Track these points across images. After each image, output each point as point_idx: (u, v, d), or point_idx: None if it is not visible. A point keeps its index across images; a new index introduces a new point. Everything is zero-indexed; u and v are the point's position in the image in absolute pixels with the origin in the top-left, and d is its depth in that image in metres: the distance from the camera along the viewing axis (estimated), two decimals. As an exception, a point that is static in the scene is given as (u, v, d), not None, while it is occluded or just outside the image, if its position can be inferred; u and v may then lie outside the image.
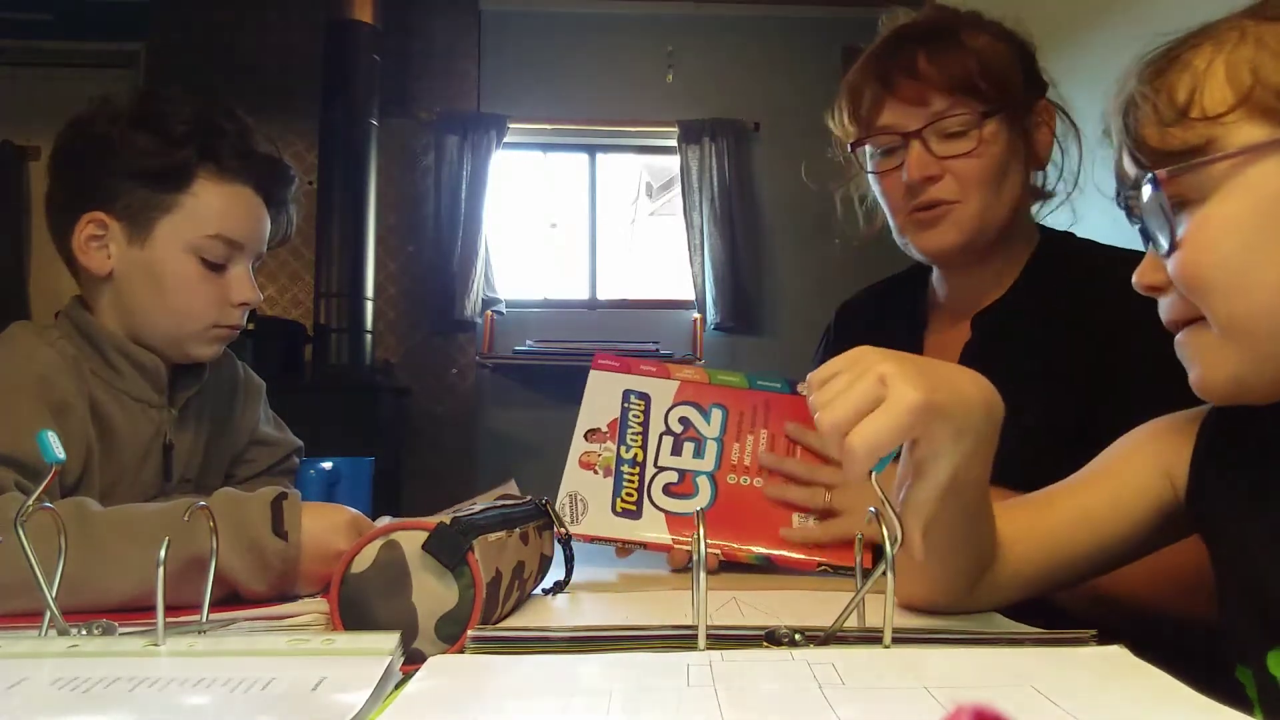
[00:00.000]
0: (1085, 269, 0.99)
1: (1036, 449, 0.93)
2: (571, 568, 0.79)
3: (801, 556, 0.89)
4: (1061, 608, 0.76)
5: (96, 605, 0.69)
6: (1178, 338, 0.62)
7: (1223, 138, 0.57)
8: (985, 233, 0.99)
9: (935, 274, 1.12)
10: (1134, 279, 0.64)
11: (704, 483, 0.92)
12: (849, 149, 1.05)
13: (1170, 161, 0.58)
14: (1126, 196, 0.64)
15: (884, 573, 0.54)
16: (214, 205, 0.96)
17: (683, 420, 0.96)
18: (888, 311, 1.19)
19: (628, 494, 0.91)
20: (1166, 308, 0.62)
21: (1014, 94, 0.97)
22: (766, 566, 0.87)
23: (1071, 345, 0.95)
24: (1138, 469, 0.70)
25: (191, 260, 0.96)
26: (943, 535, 0.60)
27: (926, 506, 0.58)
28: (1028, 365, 0.97)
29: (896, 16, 1.03)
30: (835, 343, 1.26)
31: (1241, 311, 0.57)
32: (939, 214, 0.99)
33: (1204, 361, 0.60)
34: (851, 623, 0.61)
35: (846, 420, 0.55)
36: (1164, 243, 0.60)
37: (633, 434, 0.94)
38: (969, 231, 0.99)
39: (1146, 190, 0.59)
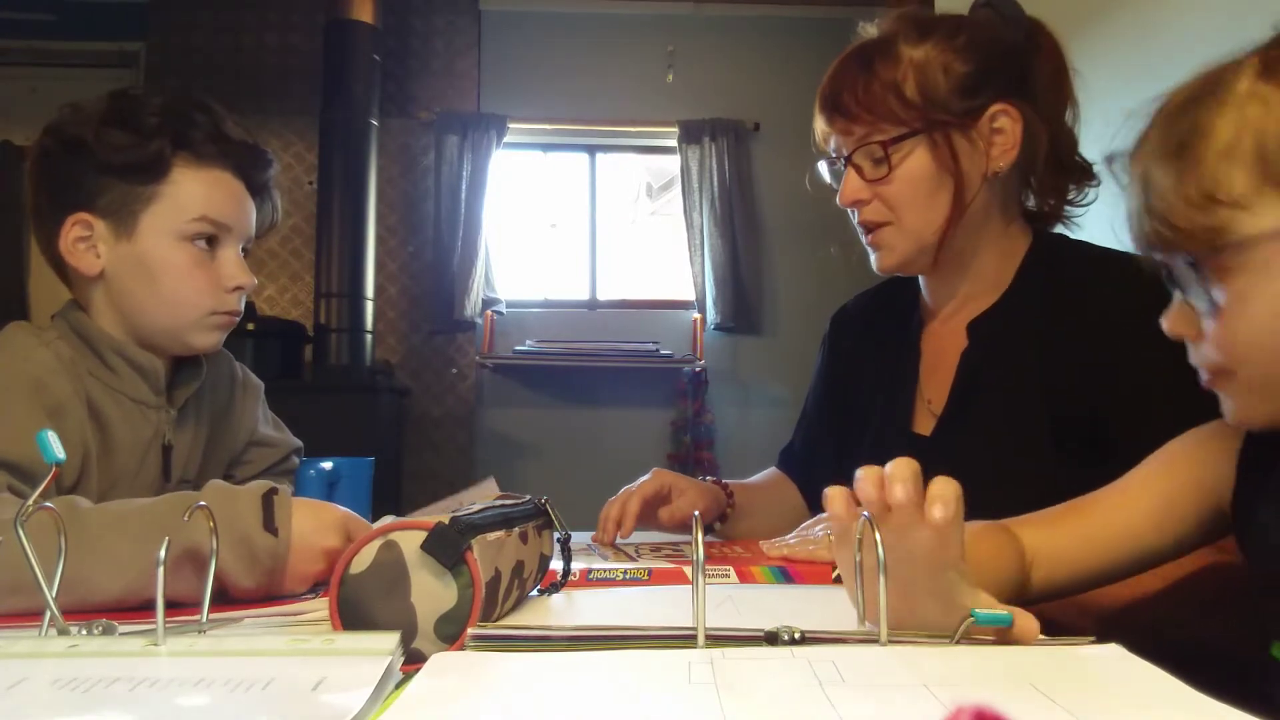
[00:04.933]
0: (1081, 269, 0.99)
1: (1040, 456, 0.93)
2: (569, 568, 0.79)
3: (821, 561, 0.89)
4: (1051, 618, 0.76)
5: (88, 601, 0.69)
6: (1208, 377, 0.64)
7: (1248, 218, 0.57)
8: (923, 249, 1.02)
9: (921, 279, 1.13)
10: (1164, 326, 0.65)
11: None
12: (819, 162, 1.09)
13: (1200, 242, 0.58)
14: (1148, 249, 0.64)
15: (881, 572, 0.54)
16: (195, 190, 0.96)
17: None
18: (882, 318, 1.19)
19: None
20: (1195, 355, 0.64)
21: (938, 111, 0.97)
22: (783, 581, 0.87)
23: (1071, 347, 0.95)
24: (1181, 482, 0.71)
25: (180, 248, 0.96)
26: None
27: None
28: (1028, 370, 0.97)
29: (867, 28, 1.05)
30: (831, 351, 1.26)
31: (1276, 375, 0.59)
32: (876, 240, 1.03)
33: (1238, 404, 0.63)
34: (851, 625, 0.61)
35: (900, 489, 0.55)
36: (1202, 307, 0.61)
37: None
38: (904, 252, 1.02)
39: (1181, 265, 0.60)
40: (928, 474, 1.04)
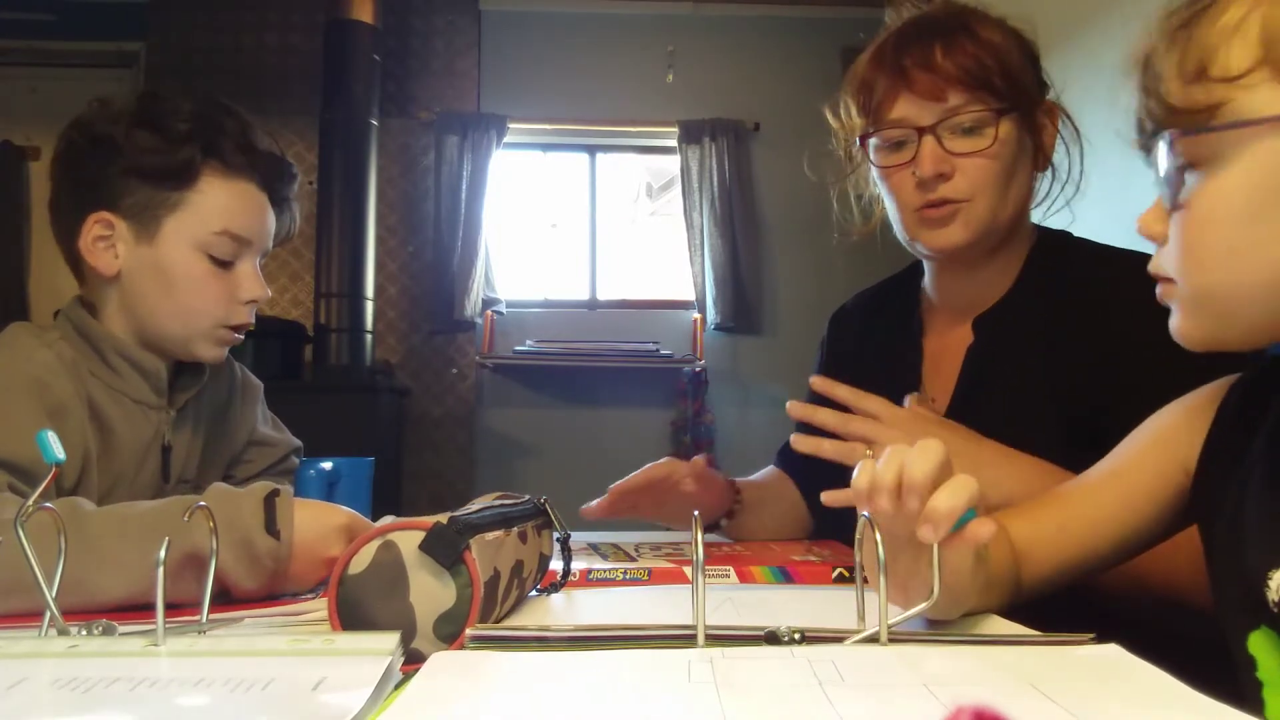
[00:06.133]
0: (1087, 267, 0.99)
1: (1044, 453, 0.93)
2: (569, 568, 0.79)
3: (818, 560, 0.89)
4: (1058, 607, 0.76)
5: (90, 604, 0.69)
6: (1159, 287, 0.63)
7: (1240, 101, 0.55)
8: (993, 232, 0.99)
9: (928, 276, 1.12)
10: (1137, 223, 0.63)
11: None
12: (857, 142, 1.03)
13: (1187, 119, 0.57)
14: (1144, 143, 0.63)
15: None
16: (220, 202, 0.96)
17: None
18: (881, 318, 1.18)
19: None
20: (1157, 257, 0.63)
21: (1028, 92, 0.97)
22: (783, 581, 0.87)
23: (1078, 345, 0.94)
24: (1153, 464, 0.70)
25: (200, 258, 0.96)
26: (970, 593, 0.62)
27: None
28: (1034, 367, 0.96)
29: (902, 11, 1.02)
30: (830, 353, 1.25)
31: (1218, 283, 0.58)
32: (948, 212, 0.97)
33: (1179, 317, 0.61)
34: (851, 624, 0.61)
35: (925, 483, 0.55)
36: (1168, 202, 0.60)
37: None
38: (977, 231, 0.97)
39: (1161, 146, 0.58)
40: None
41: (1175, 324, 0.62)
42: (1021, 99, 0.96)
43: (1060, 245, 1.04)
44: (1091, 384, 0.92)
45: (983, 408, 1.00)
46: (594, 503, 1.04)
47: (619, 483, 1.06)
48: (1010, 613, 0.67)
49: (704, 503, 1.10)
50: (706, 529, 1.09)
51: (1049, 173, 1.03)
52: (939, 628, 0.64)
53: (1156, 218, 0.62)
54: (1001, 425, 0.97)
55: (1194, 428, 0.67)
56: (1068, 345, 0.95)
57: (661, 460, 1.10)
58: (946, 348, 1.06)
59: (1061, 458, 0.91)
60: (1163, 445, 0.70)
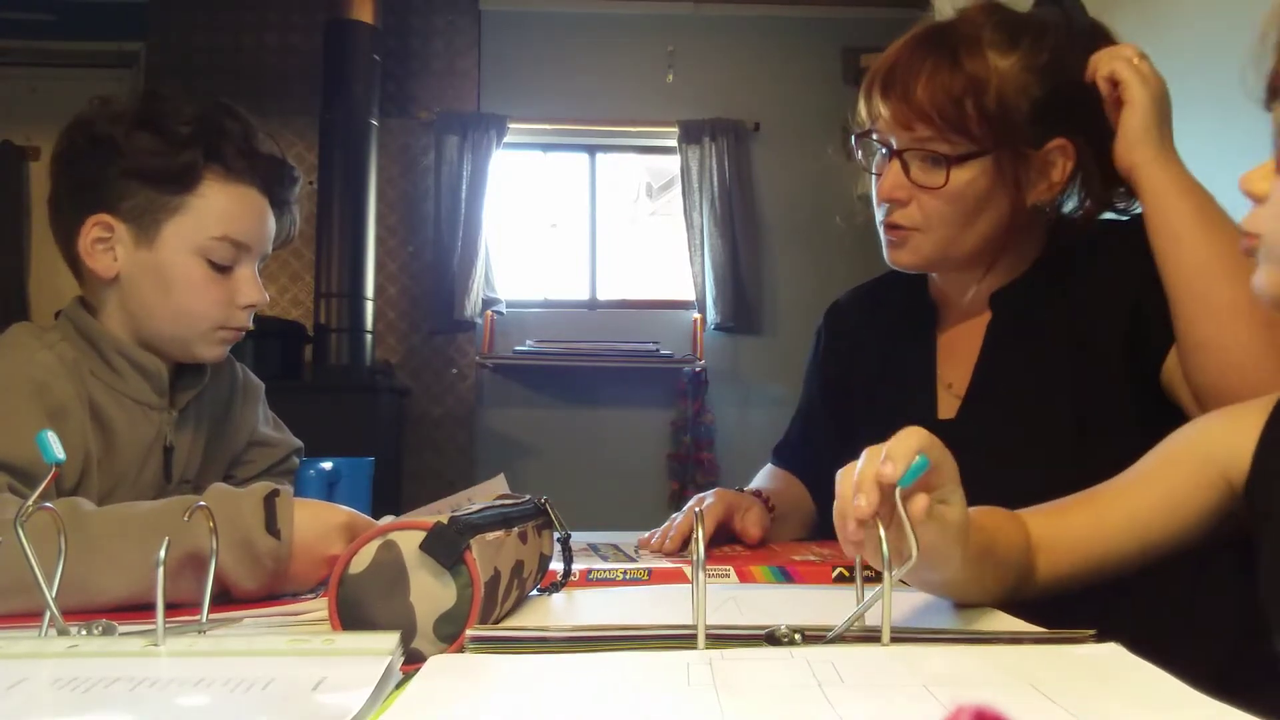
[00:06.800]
0: (1111, 239, 0.97)
1: (1069, 425, 0.92)
2: (570, 568, 0.79)
3: (818, 560, 0.89)
4: (1061, 605, 0.76)
5: (90, 604, 0.69)
6: (1242, 241, 0.67)
7: None
8: (947, 262, 0.99)
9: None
10: (1240, 180, 0.66)
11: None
12: (854, 137, 1.03)
13: None
14: (1268, 103, 0.65)
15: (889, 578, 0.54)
16: (221, 207, 0.95)
17: None
18: (886, 309, 1.17)
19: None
20: (1250, 214, 0.66)
21: (1010, 135, 0.92)
22: (783, 581, 0.87)
23: (1100, 313, 0.93)
24: (1191, 472, 0.70)
25: (198, 262, 0.95)
26: (949, 558, 0.61)
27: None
28: (1057, 338, 0.95)
29: (945, 8, 1.01)
30: (827, 344, 1.24)
31: None
32: (901, 237, 0.98)
33: (1261, 269, 0.65)
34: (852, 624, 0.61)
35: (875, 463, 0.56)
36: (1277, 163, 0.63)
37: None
38: (927, 259, 0.99)
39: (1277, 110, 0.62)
40: (954, 456, 1.03)
41: (1255, 277, 0.65)
42: (1001, 142, 0.92)
43: (1075, 224, 1.00)
44: (1116, 351, 0.91)
45: (1005, 383, 0.99)
46: (669, 541, 1.00)
47: (688, 526, 1.01)
48: (1012, 608, 0.67)
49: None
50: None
51: (1074, 189, 0.99)
52: (942, 615, 0.64)
53: (1261, 176, 0.65)
54: (1024, 401, 0.96)
55: (1239, 437, 0.67)
56: (1090, 312, 0.94)
57: (709, 498, 1.07)
58: (963, 335, 1.05)
59: (1073, 444, 0.91)
60: (1203, 454, 0.69)
